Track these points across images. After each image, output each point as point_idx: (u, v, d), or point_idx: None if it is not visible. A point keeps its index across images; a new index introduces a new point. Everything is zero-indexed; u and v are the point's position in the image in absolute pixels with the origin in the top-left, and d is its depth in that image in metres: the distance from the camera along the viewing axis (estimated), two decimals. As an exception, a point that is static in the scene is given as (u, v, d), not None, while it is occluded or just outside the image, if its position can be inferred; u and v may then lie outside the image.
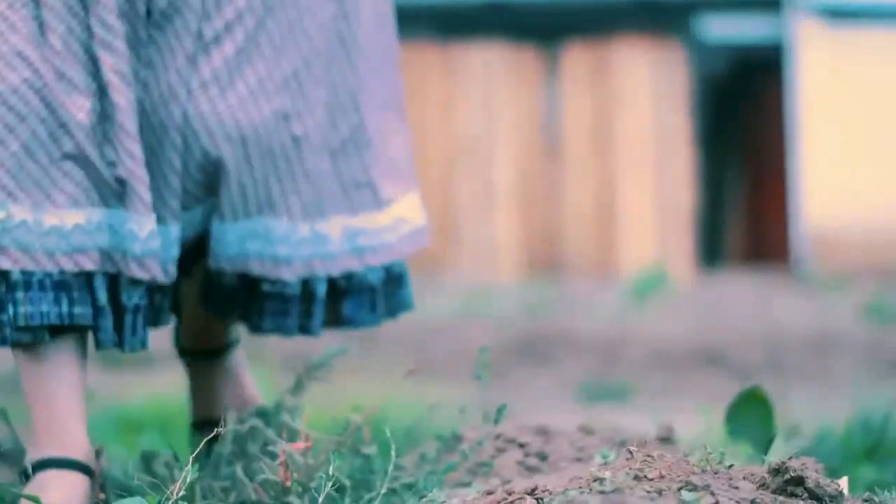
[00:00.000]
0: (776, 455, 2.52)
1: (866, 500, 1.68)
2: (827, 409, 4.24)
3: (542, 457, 1.96)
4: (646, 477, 1.55)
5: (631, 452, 1.62)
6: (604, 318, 7.69)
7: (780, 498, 1.57)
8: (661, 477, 1.55)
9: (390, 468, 1.75)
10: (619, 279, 10.37)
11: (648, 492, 1.50)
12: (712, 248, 12.25)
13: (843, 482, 1.76)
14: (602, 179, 11.44)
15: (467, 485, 1.85)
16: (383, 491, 1.72)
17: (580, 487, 1.52)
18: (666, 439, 2.10)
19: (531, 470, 1.92)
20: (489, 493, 1.63)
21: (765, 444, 2.47)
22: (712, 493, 1.48)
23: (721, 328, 7.26)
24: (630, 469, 1.57)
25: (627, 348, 6.69)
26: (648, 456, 1.62)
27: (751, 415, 2.45)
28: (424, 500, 1.70)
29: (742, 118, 13.39)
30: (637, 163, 11.41)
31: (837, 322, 7.40)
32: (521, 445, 1.98)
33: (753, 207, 13.16)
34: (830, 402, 4.71)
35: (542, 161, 11.49)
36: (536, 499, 1.54)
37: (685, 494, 1.48)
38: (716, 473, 1.56)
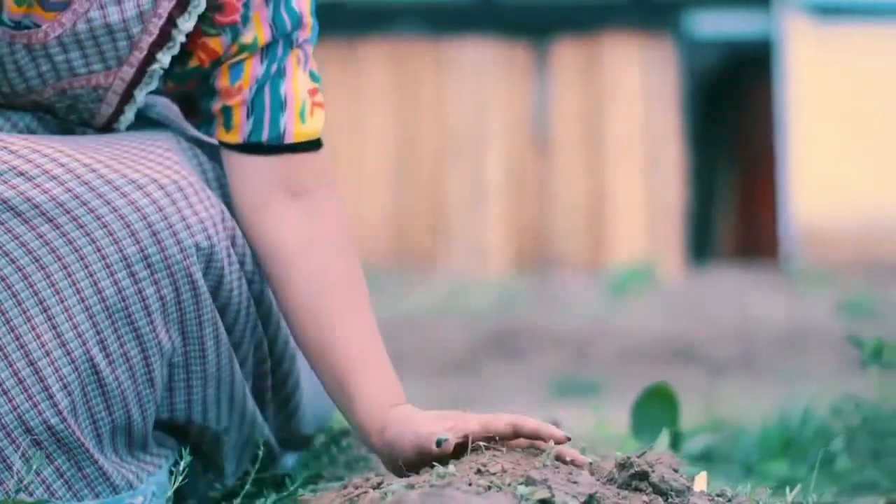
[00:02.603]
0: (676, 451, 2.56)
1: (719, 495, 1.70)
2: (788, 403, 4.26)
3: (420, 451, 1.98)
4: (488, 471, 1.58)
5: (481, 446, 1.65)
6: (583, 314, 7.71)
7: (623, 492, 1.59)
8: (504, 471, 1.58)
9: (257, 465, 1.78)
10: (607, 275, 10.39)
11: (487, 486, 1.52)
12: (702, 243, 12.27)
13: (702, 478, 1.78)
14: (592, 175, 11.45)
15: (341, 478, 1.88)
16: (248, 486, 1.75)
17: (423, 482, 1.55)
18: (551, 434, 2.11)
19: (406, 464, 1.95)
20: (344, 486, 1.66)
21: (669, 440, 2.50)
22: (549, 488, 1.51)
23: (698, 324, 7.28)
24: (475, 463, 1.60)
25: (601, 344, 6.71)
26: (498, 450, 1.65)
27: (655, 411, 2.46)
28: (284, 494, 1.74)
29: (732, 114, 13.41)
30: (627, 159, 11.42)
31: (815, 317, 7.41)
32: (401, 440, 2.00)
33: (743, 203, 13.17)
34: (793, 397, 4.73)
35: (532, 157, 11.52)
36: (381, 492, 1.57)
37: (520, 489, 1.51)
38: (557, 468, 1.59)
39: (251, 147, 1.81)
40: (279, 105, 1.81)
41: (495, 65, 11.58)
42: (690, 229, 11.57)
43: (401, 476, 1.67)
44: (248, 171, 1.80)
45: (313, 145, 1.84)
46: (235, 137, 1.81)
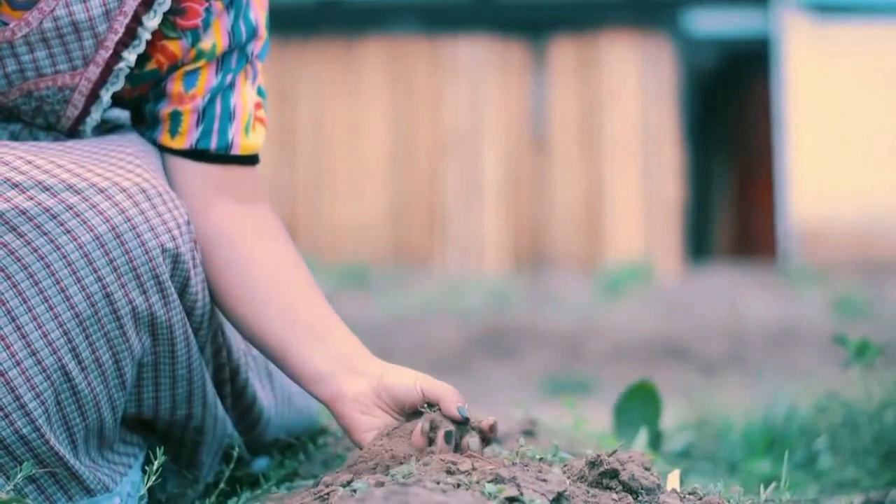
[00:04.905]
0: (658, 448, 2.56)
1: (691, 493, 1.70)
2: (772, 401, 4.25)
3: (396, 450, 1.98)
4: (458, 469, 1.58)
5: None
6: (577, 313, 7.71)
7: (593, 490, 1.59)
8: (473, 469, 1.58)
9: (231, 465, 1.78)
10: (603, 274, 10.39)
11: (455, 484, 1.53)
12: (699, 242, 12.27)
13: (674, 476, 1.78)
14: (589, 174, 11.45)
15: (315, 477, 1.88)
16: (222, 485, 1.76)
17: (389, 480, 1.55)
18: (529, 432, 2.12)
19: (381, 462, 1.95)
20: (316, 484, 1.67)
21: (649, 438, 2.50)
22: (517, 486, 1.51)
23: (692, 322, 7.28)
24: (444, 461, 1.60)
25: (594, 342, 6.71)
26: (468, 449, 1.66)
27: (637, 410, 2.46)
28: (258, 492, 1.74)
29: (729, 112, 13.41)
30: (624, 157, 11.42)
31: (809, 316, 7.41)
32: (376, 438, 2.00)
33: (741, 201, 13.17)
34: (778, 395, 4.72)
35: (529, 155, 11.52)
36: (350, 490, 1.57)
37: (488, 486, 1.51)
38: (526, 466, 1.59)
39: (197, 153, 1.83)
40: (228, 116, 1.84)
41: (492, 63, 11.58)
42: (687, 228, 11.57)
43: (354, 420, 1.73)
44: (189, 176, 1.82)
45: (253, 160, 1.88)
46: (181, 143, 1.83)
